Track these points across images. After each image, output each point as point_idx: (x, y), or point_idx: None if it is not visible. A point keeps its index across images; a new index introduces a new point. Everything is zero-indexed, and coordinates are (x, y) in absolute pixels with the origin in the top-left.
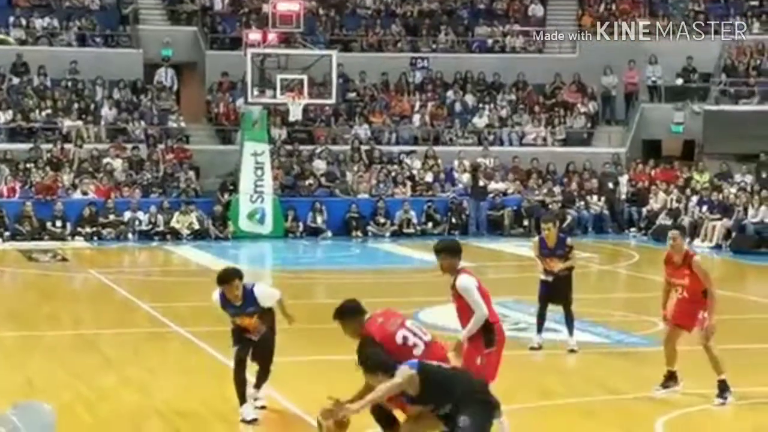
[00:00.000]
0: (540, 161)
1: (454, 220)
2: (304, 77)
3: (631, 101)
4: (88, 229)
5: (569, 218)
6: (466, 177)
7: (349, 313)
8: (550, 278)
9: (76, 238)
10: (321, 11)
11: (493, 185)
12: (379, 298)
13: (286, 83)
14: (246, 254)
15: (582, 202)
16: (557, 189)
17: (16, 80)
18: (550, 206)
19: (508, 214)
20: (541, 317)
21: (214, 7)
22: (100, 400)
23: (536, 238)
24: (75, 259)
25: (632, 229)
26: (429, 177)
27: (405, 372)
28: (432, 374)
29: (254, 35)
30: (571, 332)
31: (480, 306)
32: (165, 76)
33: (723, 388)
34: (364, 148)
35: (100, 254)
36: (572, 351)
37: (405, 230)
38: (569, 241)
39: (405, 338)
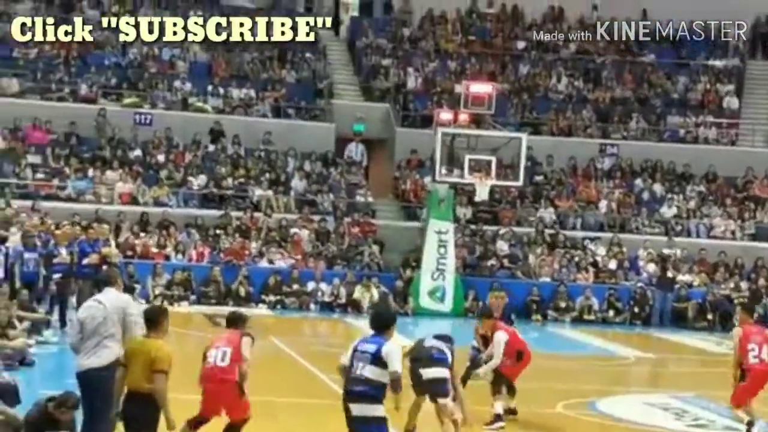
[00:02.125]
0: (728, 255)
1: (636, 310)
2: (493, 158)
3: None
4: (271, 297)
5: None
6: (651, 266)
7: None
8: None
9: (260, 305)
10: (513, 94)
11: (680, 277)
12: (556, 383)
13: (473, 163)
14: (425, 331)
15: None
16: (744, 284)
17: (211, 147)
18: (736, 301)
19: (692, 307)
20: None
21: (407, 85)
22: None
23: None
24: (257, 325)
25: None
26: (613, 264)
27: None
28: None
29: (445, 115)
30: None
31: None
32: (355, 150)
33: None
34: (548, 231)
35: (281, 322)
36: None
37: (585, 317)
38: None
39: None
